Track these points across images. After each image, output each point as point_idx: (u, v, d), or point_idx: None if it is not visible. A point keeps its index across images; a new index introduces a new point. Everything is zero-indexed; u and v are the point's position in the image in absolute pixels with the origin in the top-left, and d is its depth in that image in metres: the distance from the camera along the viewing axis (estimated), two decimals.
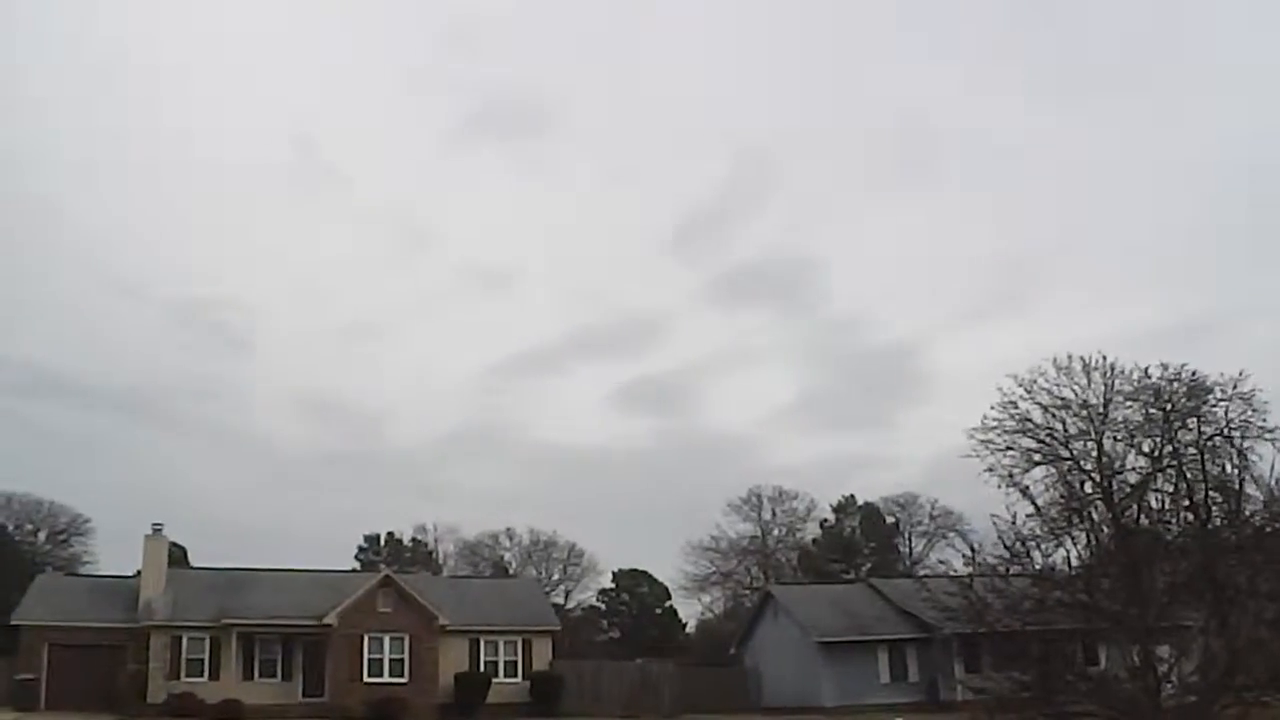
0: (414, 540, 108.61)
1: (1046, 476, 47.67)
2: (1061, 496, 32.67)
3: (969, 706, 35.82)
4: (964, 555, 28.27)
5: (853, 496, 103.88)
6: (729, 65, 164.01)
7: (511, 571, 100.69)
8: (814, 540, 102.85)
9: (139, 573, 58.61)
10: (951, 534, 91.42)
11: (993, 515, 26.42)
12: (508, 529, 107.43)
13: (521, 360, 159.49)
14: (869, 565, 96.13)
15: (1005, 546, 25.78)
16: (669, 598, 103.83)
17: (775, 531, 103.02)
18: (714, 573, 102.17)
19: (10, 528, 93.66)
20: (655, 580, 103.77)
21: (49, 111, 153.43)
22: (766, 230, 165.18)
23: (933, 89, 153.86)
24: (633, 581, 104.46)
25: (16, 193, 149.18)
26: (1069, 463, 49.97)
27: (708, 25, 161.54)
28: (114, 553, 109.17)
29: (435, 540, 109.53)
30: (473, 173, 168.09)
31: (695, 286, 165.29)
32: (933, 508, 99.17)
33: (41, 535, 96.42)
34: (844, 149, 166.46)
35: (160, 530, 58.09)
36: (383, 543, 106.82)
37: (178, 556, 69.32)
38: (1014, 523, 25.97)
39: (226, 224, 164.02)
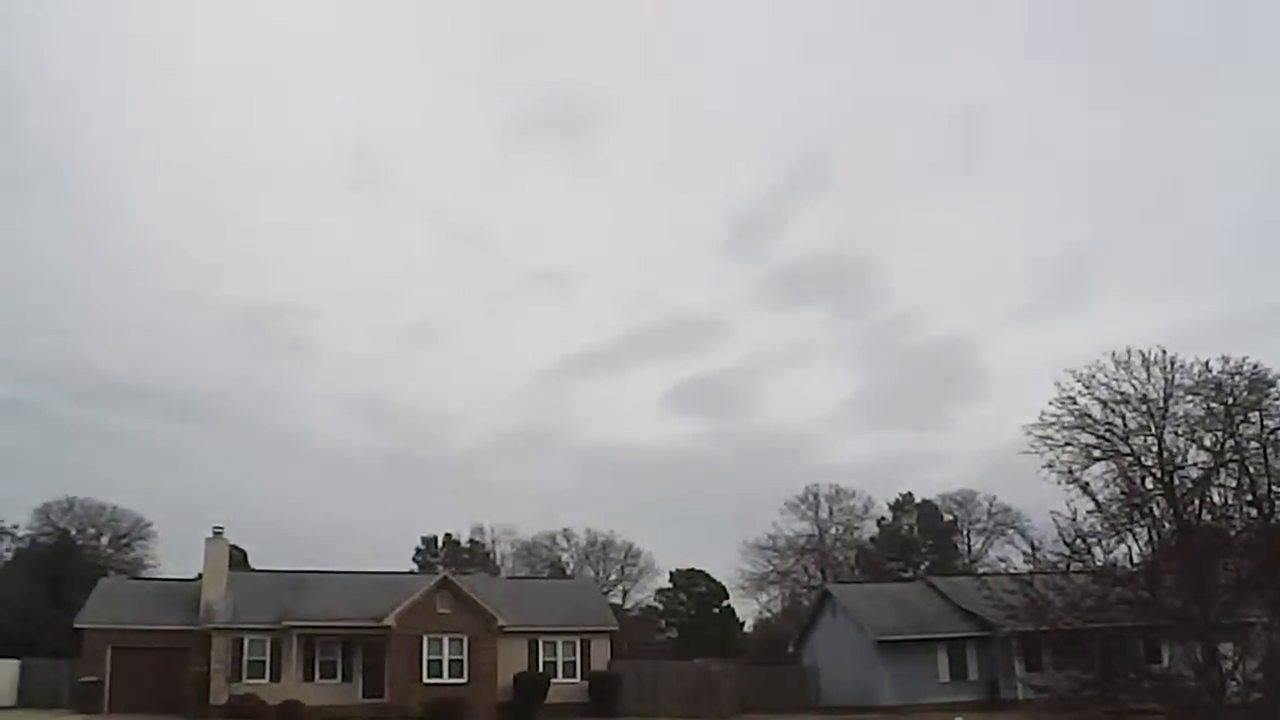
0: (471, 542, 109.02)
1: (1107, 472, 47.23)
2: (1122, 492, 32.24)
3: (1030, 706, 35.57)
4: (1024, 552, 28.08)
5: (910, 494, 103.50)
6: (784, 64, 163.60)
7: (569, 572, 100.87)
8: (871, 539, 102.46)
9: (200, 576, 59.10)
10: (1010, 531, 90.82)
11: (1052, 512, 26.20)
12: (565, 530, 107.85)
13: (578, 361, 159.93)
14: (927, 563, 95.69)
15: (1066, 543, 25.59)
16: (726, 597, 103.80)
17: (832, 530, 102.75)
18: (771, 572, 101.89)
19: (73, 532, 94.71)
20: (713, 580, 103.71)
21: (111, 119, 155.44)
22: (821, 228, 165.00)
23: (988, 85, 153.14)
24: (690, 581, 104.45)
25: (80, 200, 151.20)
26: (1129, 458, 49.55)
27: (761, 24, 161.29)
28: (175, 556, 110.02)
29: (493, 541, 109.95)
30: (529, 175, 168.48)
31: (750, 285, 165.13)
32: (991, 505, 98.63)
33: (104, 539, 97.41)
34: (898, 145, 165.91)
35: (221, 533, 58.57)
36: (440, 544, 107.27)
37: (238, 559, 69.89)
38: (1074, 519, 25.75)
39: (287, 230, 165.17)
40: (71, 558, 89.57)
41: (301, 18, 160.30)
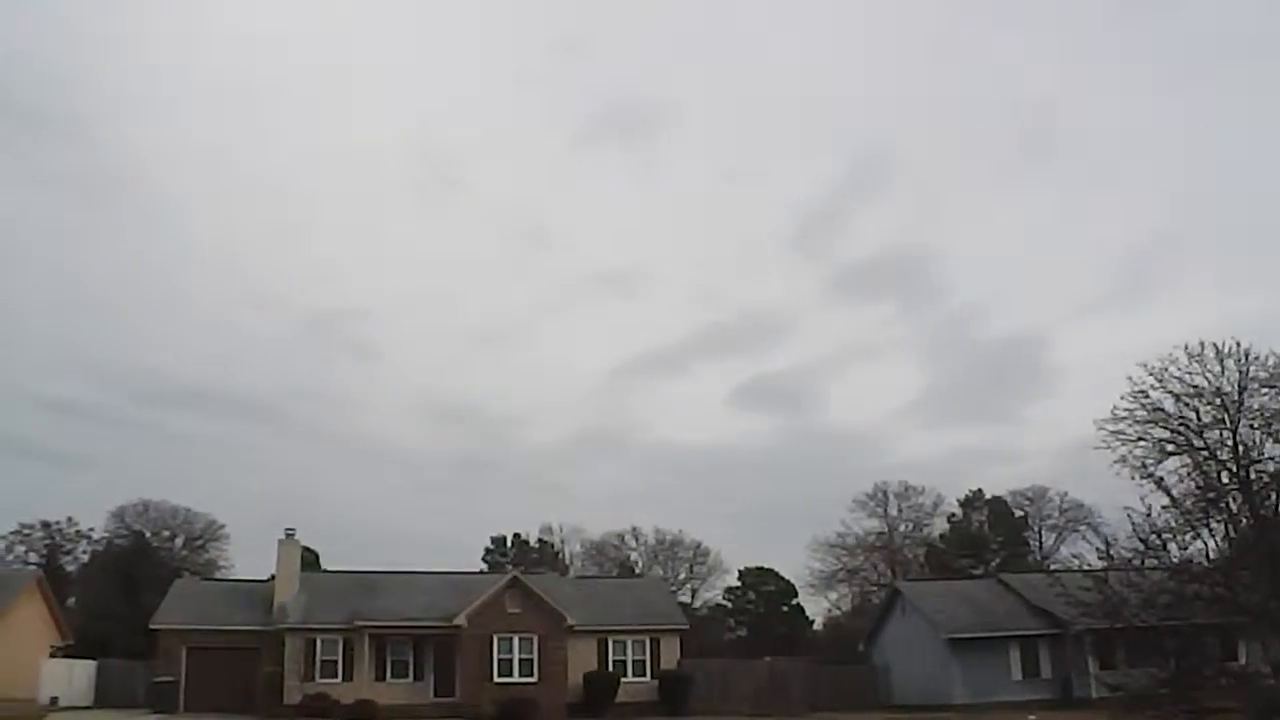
0: (540, 541, 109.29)
1: (1181, 467, 46.49)
2: (1197, 488, 31.87)
3: (1105, 704, 35.28)
4: (1098, 549, 27.84)
5: (980, 491, 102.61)
6: (847, 62, 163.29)
7: (638, 571, 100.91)
8: (941, 535, 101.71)
9: (273, 576, 59.56)
10: (1083, 527, 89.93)
11: (1126, 508, 26.01)
12: (633, 528, 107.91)
13: (645, 360, 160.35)
14: (998, 560, 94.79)
15: (1140, 539, 25.39)
16: (795, 595, 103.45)
17: (902, 527, 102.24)
18: (840, 569, 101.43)
19: (148, 535, 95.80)
20: (781, 578, 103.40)
21: (182, 126, 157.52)
22: (887, 224, 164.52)
23: (1052, 77, 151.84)
24: (759, 579, 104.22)
25: (153, 207, 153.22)
26: (1204, 453, 48.76)
27: (824, 21, 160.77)
28: (248, 558, 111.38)
29: (561, 541, 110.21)
30: (594, 176, 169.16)
31: (817, 283, 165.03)
32: (1062, 501, 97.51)
33: (178, 541, 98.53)
34: (964, 139, 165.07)
35: (293, 534, 59.02)
36: (509, 544, 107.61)
37: (310, 560, 70.42)
38: (1149, 515, 25.51)
39: (355, 233, 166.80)
40: (146, 560, 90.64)
41: (367, 24, 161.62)
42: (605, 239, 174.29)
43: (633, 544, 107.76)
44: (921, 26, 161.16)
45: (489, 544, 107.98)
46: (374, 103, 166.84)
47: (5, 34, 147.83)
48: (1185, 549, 25.55)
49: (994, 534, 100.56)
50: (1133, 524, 25.35)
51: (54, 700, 56.17)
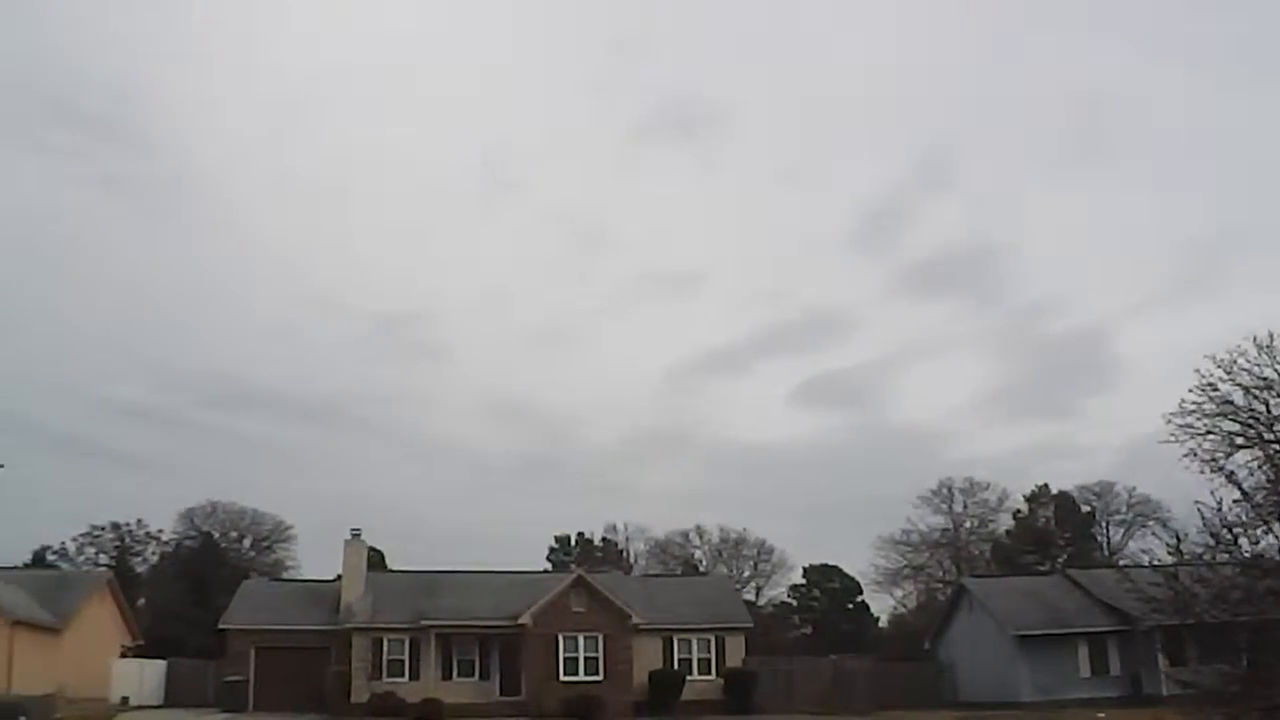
0: (604, 540, 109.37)
1: (1252, 460, 45.90)
2: (1269, 480, 31.40)
3: (1175, 701, 34.83)
4: (1167, 544, 27.46)
5: (1046, 486, 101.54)
6: (910, 58, 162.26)
7: (702, 569, 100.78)
8: (1007, 531, 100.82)
9: (339, 576, 60.01)
10: (1151, 522, 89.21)
11: (1196, 502, 25.58)
12: (697, 527, 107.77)
13: (707, 359, 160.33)
14: (1065, 556, 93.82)
15: (1210, 534, 24.99)
16: (860, 592, 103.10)
17: (967, 523, 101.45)
18: (905, 566, 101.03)
19: (216, 536, 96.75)
20: (846, 575, 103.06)
21: (247, 131, 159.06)
22: (950, 220, 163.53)
23: (1120, 71, 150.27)
24: (823, 577, 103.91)
25: (218, 212, 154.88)
26: (1275, 445, 48.20)
27: (887, 20, 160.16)
28: (314, 558, 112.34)
29: (625, 539, 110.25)
30: (655, 176, 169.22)
31: (879, 280, 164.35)
32: (1130, 495, 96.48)
33: (246, 542, 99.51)
34: (1028, 132, 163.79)
35: (359, 535, 59.48)
36: (574, 543, 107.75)
37: (375, 560, 70.85)
38: (1219, 509, 25.14)
39: (417, 236, 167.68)
40: (215, 560, 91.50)
41: (428, 27, 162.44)
42: (667, 238, 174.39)
43: (697, 542, 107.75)
44: (984, 21, 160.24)
45: (553, 543, 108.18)
46: (435, 105, 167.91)
47: (74, 48, 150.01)
48: (1257, 544, 25.12)
49: (1060, 530, 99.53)
50: (1203, 518, 24.94)
51: (125, 700, 56.87)
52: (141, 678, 58.90)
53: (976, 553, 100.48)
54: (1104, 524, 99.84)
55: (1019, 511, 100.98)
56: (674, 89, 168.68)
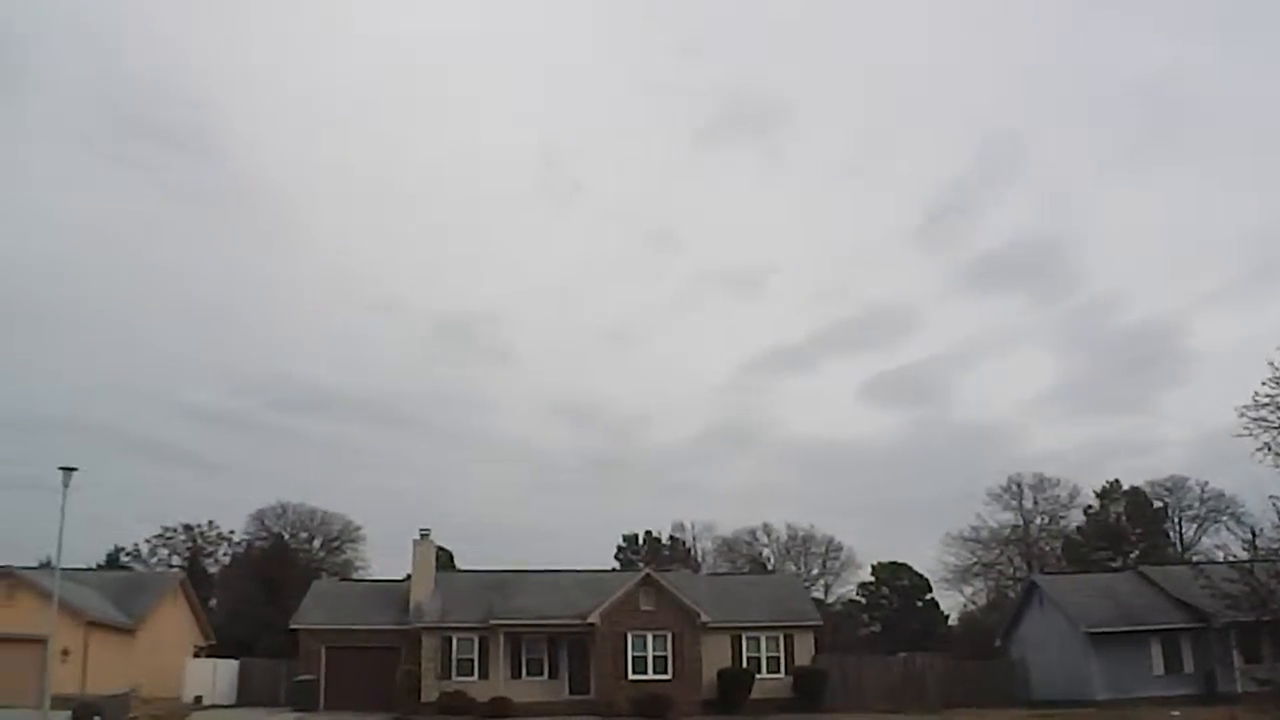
0: (672, 539, 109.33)
1: None
2: None
3: (1251, 699, 34.39)
4: (1241, 540, 27.14)
5: (1117, 481, 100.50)
6: (972, 51, 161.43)
7: (770, 567, 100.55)
8: (1078, 528, 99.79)
9: (408, 576, 60.34)
10: (1225, 517, 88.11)
11: (1271, 496, 25.31)
12: (765, 525, 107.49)
13: (772, 357, 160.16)
14: (1137, 552, 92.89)
15: None
16: (930, 590, 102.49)
17: (1037, 520, 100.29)
18: (975, 563, 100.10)
19: (286, 536, 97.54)
20: (915, 573, 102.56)
21: (306, 137, 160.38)
22: (1015, 214, 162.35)
23: (1184, 58, 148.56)
24: (892, 574, 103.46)
25: (284, 222, 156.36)
26: None
27: (951, 10, 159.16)
28: (383, 558, 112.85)
29: (693, 538, 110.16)
30: (717, 174, 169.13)
31: (944, 275, 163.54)
32: (1203, 490, 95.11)
33: (316, 543, 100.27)
34: (1093, 123, 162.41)
35: (427, 535, 59.81)
36: (641, 542, 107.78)
37: (444, 560, 71.21)
38: None
39: (482, 238, 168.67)
40: (285, 561, 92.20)
41: (491, 28, 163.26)
42: (732, 237, 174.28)
43: (764, 540, 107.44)
44: (1050, 10, 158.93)
45: (620, 542, 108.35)
46: (499, 106, 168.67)
47: (148, 62, 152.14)
48: None
49: (1132, 526, 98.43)
50: (1278, 513, 24.63)
51: (198, 699, 57.50)
52: (214, 677, 59.51)
53: (1047, 549, 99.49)
54: (1176, 520, 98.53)
55: (1090, 508, 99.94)
56: (738, 87, 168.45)
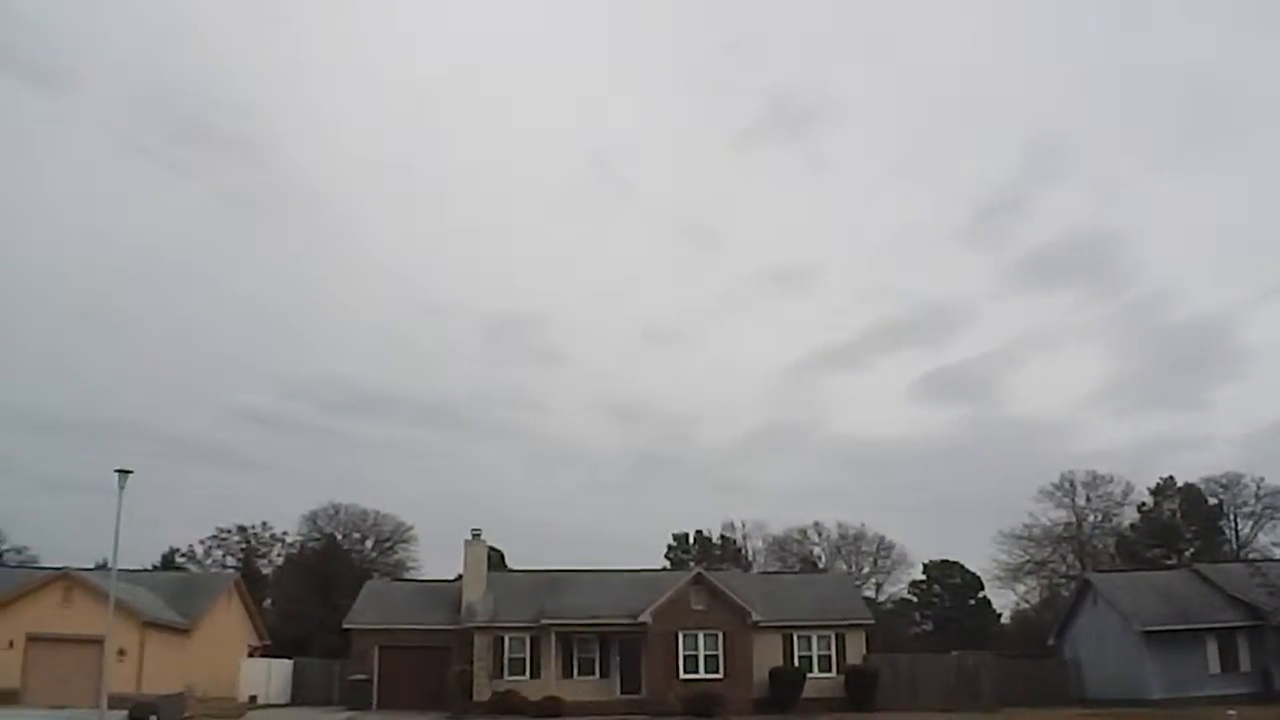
0: (722, 538, 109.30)
1: None
2: None
3: None
4: None
5: (1171, 478, 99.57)
6: (1013, 44, 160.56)
7: (821, 566, 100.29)
8: (1131, 525, 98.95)
9: (460, 576, 60.60)
10: None
11: None
12: (815, 523, 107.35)
13: (822, 356, 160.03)
14: (1191, 550, 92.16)
15: None
16: (982, 588, 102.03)
17: (1090, 517, 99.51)
18: (1028, 561, 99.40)
19: (339, 537, 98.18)
20: (967, 571, 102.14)
21: (358, 145, 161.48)
22: (1066, 210, 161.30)
23: (1240, 48, 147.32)
24: (944, 572, 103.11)
25: (330, 223, 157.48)
26: None
27: (994, 11, 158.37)
28: (435, 558, 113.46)
29: (743, 537, 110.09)
30: (763, 173, 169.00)
31: (995, 272, 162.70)
32: (1259, 487, 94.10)
33: (368, 543, 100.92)
34: (1145, 117, 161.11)
35: (479, 535, 60.00)
36: (691, 541, 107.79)
37: (495, 560, 71.45)
38: None
39: (529, 239, 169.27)
40: (338, 561, 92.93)
41: (533, 30, 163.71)
42: (778, 236, 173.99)
43: (815, 539, 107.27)
44: (1099, 5, 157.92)
45: (671, 541, 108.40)
46: (542, 108, 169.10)
47: (201, 68, 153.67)
48: None
49: (1186, 523, 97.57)
50: None
51: (253, 698, 58.02)
52: (269, 677, 60.02)
53: (1100, 547, 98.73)
54: (1232, 517, 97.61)
55: (1144, 505, 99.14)
56: (783, 87, 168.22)
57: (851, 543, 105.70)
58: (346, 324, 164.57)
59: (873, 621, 61.24)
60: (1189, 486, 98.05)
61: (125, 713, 39.91)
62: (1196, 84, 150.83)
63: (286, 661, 62.38)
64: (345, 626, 59.17)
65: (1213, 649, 55.98)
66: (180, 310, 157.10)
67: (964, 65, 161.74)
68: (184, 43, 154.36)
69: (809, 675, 55.66)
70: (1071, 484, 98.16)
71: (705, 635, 54.69)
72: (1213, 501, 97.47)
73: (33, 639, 50.39)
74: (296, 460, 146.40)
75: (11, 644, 50.22)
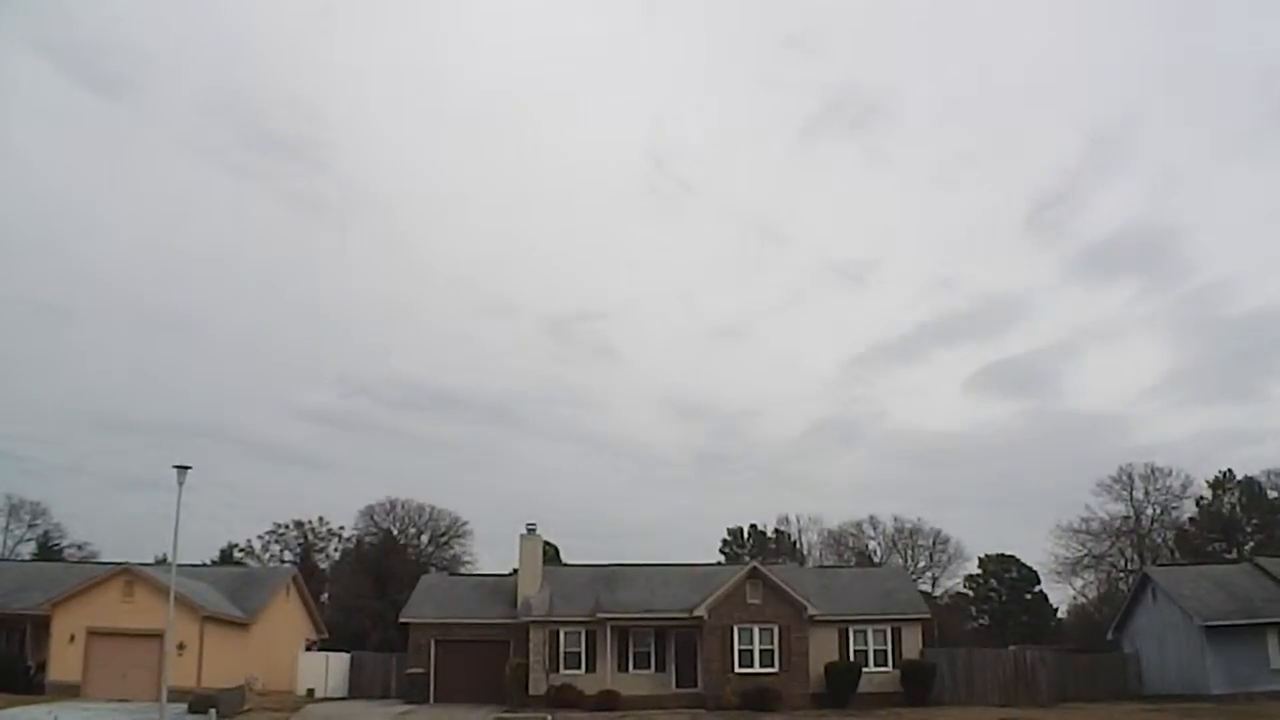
0: (777, 532, 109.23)
1: None
2: None
3: None
4: None
5: (1230, 471, 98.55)
6: (1077, 40, 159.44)
7: (876, 560, 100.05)
8: (1191, 519, 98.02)
9: (515, 571, 60.79)
10: None
11: None
12: (871, 517, 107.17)
13: (879, 351, 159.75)
14: (1252, 544, 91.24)
15: None
16: (1039, 582, 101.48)
17: (1149, 511, 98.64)
18: (1085, 555, 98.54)
19: (395, 532, 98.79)
20: (1024, 565, 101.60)
21: (418, 147, 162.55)
22: (1125, 202, 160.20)
23: None
24: (1000, 566, 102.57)
25: (395, 227, 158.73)
26: None
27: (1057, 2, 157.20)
28: (490, 553, 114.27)
29: (799, 531, 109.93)
30: (821, 170, 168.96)
31: (1053, 265, 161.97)
32: None
33: (424, 538, 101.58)
34: (1207, 111, 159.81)
35: (534, 530, 60.12)
36: (746, 535, 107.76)
37: (550, 555, 71.73)
38: None
39: (590, 238, 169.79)
40: (394, 556, 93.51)
41: (595, 29, 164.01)
42: (836, 230, 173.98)
43: (871, 533, 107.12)
44: None
45: (725, 535, 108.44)
46: (605, 107, 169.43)
47: (264, 74, 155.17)
48: None
49: (1247, 516, 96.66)
50: None
51: (311, 691, 58.33)
52: (326, 670, 60.32)
53: (1159, 541, 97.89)
54: None
55: (1203, 499, 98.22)
56: (842, 82, 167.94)
57: (908, 537, 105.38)
58: (408, 324, 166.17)
59: (929, 616, 61.07)
60: (1249, 480, 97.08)
61: (185, 705, 40.30)
62: (1260, 75, 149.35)
63: (344, 655, 62.68)
64: (402, 620, 59.44)
65: (1274, 643, 55.21)
66: (246, 312, 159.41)
67: (1025, 57, 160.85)
68: (247, 49, 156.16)
69: (865, 669, 55.41)
70: (1130, 477, 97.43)
71: (761, 629, 54.58)
72: (1273, 495, 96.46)
73: (94, 633, 50.94)
74: (355, 458, 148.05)
75: (73, 638, 50.80)
